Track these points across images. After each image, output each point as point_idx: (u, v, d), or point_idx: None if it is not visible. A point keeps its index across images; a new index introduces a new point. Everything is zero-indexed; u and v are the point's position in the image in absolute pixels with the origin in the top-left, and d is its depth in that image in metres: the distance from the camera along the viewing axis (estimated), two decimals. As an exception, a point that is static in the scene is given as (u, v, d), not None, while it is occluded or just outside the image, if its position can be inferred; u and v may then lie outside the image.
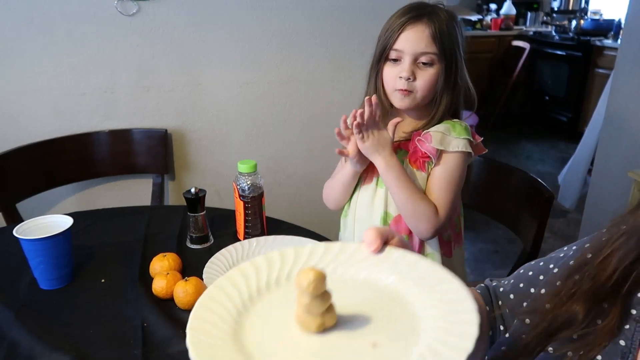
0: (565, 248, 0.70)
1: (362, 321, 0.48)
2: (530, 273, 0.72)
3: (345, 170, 1.17)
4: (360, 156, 1.10)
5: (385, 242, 0.55)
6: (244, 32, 1.85)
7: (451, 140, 1.09)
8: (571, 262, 0.64)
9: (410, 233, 1.14)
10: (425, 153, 1.09)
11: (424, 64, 1.07)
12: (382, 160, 1.08)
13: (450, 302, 0.46)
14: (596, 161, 2.58)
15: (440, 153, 1.09)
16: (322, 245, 0.59)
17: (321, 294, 0.46)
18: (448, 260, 1.19)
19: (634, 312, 0.57)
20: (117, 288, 1.00)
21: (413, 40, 1.06)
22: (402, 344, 0.44)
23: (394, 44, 1.08)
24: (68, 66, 1.75)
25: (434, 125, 1.12)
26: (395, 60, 1.09)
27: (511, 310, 0.73)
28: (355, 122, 1.05)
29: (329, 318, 0.47)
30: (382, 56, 1.11)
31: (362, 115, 1.04)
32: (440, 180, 1.10)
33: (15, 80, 1.72)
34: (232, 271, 0.55)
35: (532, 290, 0.70)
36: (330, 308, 0.47)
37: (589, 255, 0.61)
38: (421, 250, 1.16)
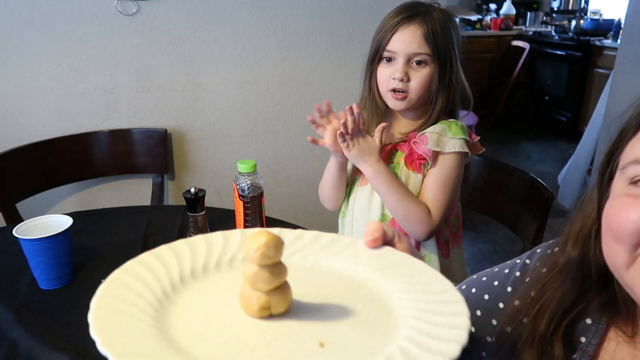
0: (518, 260, 0.68)
1: (321, 314, 0.40)
2: (484, 280, 0.70)
3: (330, 163, 1.17)
4: (338, 146, 1.09)
5: (389, 243, 0.50)
6: (244, 32, 1.85)
7: (447, 141, 1.08)
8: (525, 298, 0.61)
9: (404, 234, 1.13)
10: (421, 155, 1.09)
11: (417, 64, 1.07)
12: (368, 168, 1.08)
13: (439, 306, 0.40)
14: (596, 161, 2.58)
15: (436, 154, 1.09)
16: (314, 232, 0.51)
17: (272, 265, 0.38)
18: (446, 261, 1.19)
19: (583, 339, 0.55)
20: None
21: (406, 41, 1.06)
22: (359, 347, 0.37)
23: (387, 44, 1.08)
24: (68, 66, 1.75)
25: (430, 126, 1.11)
26: (389, 60, 1.09)
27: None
28: (338, 132, 1.05)
29: (278, 301, 0.39)
30: (376, 57, 1.11)
31: (345, 124, 1.04)
32: (435, 181, 1.09)
33: (15, 80, 1.72)
34: (180, 242, 0.47)
35: (486, 296, 0.68)
36: (282, 288, 0.39)
37: (530, 295, 0.59)
38: (417, 251, 1.16)
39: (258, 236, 0.38)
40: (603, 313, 0.55)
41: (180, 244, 0.48)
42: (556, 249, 0.59)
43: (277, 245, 0.38)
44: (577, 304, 0.55)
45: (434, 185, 1.09)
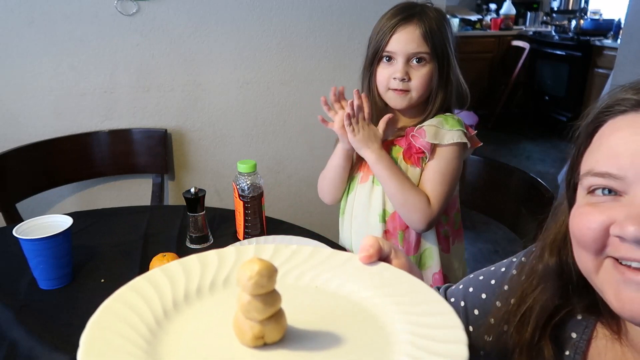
0: (514, 259, 0.69)
1: (316, 341, 0.39)
2: (481, 277, 0.71)
3: (336, 152, 1.18)
4: (345, 131, 1.10)
5: (384, 258, 0.50)
6: (244, 32, 1.85)
7: (445, 133, 1.09)
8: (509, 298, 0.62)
9: (406, 228, 1.14)
10: (420, 149, 1.10)
11: (417, 63, 1.08)
12: (371, 153, 1.09)
13: (436, 331, 0.39)
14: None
15: (434, 147, 1.10)
16: (310, 248, 0.51)
17: (265, 294, 0.37)
18: (446, 257, 1.19)
19: (574, 335, 0.56)
20: (117, 288, 0.99)
21: (405, 41, 1.07)
22: None
23: (386, 46, 1.09)
24: (68, 66, 1.75)
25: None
26: (388, 60, 1.10)
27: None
28: (345, 114, 1.06)
29: (272, 330, 0.38)
30: (375, 58, 1.12)
31: (352, 105, 1.06)
32: (434, 172, 1.10)
33: (15, 80, 1.72)
34: (174, 264, 0.46)
35: (484, 295, 0.69)
36: (276, 317, 0.39)
37: (511, 303, 0.60)
38: (418, 245, 1.17)
39: (251, 264, 0.37)
40: (589, 314, 0.56)
41: (174, 265, 0.47)
42: (533, 258, 0.60)
43: (271, 274, 0.37)
44: (561, 309, 0.56)
45: (433, 177, 1.10)
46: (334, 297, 0.45)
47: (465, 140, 1.09)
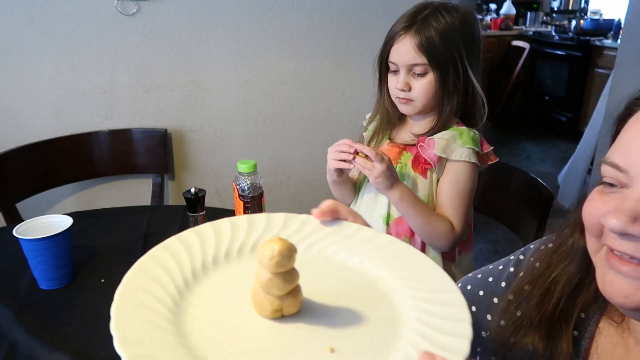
0: (512, 257, 0.69)
1: (330, 315, 0.41)
2: (479, 275, 0.71)
3: (329, 181, 1.18)
4: (337, 172, 1.11)
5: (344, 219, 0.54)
6: (244, 32, 1.85)
7: (455, 148, 1.07)
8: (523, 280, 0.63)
9: (411, 235, 1.14)
10: (427, 160, 1.09)
11: (418, 74, 1.07)
12: (393, 193, 1.05)
13: (442, 308, 0.40)
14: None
15: (444, 161, 1.09)
16: (317, 220, 0.52)
17: (285, 272, 0.39)
18: (449, 265, 1.18)
19: (576, 333, 0.57)
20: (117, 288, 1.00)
21: (402, 53, 1.07)
22: (366, 351, 0.38)
23: (388, 56, 1.09)
24: (68, 66, 1.75)
25: (440, 130, 1.10)
26: (394, 71, 1.11)
27: None
28: (360, 165, 1.02)
29: (290, 304, 0.40)
30: (383, 66, 1.13)
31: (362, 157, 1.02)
32: (452, 195, 1.09)
33: (15, 80, 1.72)
34: (206, 226, 0.48)
35: (481, 293, 0.69)
36: (294, 292, 0.40)
37: (532, 282, 0.61)
38: (423, 252, 1.15)
39: (272, 244, 0.38)
40: (597, 298, 0.56)
41: (205, 227, 0.49)
42: (566, 231, 0.61)
43: (291, 253, 0.39)
44: (581, 287, 0.57)
45: (452, 200, 1.09)
46: (343, 269, 0.48)
47: (474, 160, 1.07)
